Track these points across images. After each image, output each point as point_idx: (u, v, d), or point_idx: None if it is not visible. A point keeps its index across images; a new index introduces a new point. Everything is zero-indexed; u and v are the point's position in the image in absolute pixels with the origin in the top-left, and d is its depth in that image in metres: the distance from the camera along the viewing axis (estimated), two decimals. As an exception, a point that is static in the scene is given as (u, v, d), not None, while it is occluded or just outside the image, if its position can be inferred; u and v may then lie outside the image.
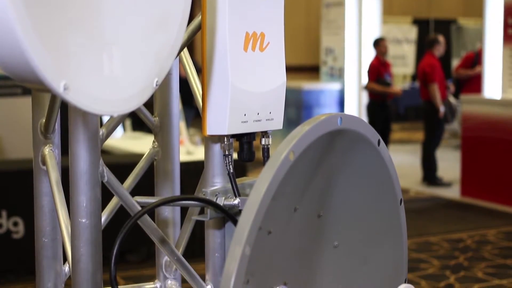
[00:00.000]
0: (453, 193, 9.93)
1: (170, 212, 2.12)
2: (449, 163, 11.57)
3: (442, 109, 10.28)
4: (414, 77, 16.41)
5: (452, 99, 11.52)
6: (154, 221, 1.98)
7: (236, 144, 1.84)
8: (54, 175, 1.90)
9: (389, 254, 1.80)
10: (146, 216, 1.88)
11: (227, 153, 1.79)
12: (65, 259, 1.99)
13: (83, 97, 1.22)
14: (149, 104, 1.95)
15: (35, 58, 1.12)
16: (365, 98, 12.46)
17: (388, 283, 1.77)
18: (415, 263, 6.59)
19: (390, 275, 1.80)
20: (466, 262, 6.70)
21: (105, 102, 1.28)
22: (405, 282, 1.79)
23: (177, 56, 1.64)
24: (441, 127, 10.61)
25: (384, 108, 11.11)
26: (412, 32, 16.95)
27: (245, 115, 1.77)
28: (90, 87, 1.24)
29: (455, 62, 15.81)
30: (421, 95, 10.61)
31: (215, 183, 1.82)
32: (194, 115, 10.68)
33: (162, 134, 2.09)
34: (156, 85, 1.39)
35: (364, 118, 10.99)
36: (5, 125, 8.26)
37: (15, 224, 6.19)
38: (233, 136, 1.80)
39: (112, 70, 1.29)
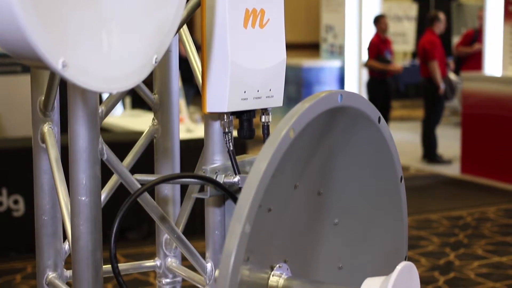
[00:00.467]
0: (453, 170, 9.94)
1: (170, 190, 2.12)
2: (449, 140, 11.57)
3: (442, 86, 10.27)
4: (414, 55, 16.38)
5: (452, 76, 11.51)
6: (154, 199, 1.97)
7: (236, 121, 1.83)
8: (54, 153, 1.90)
9: (389, 231, 1.79)
10: (146, 194, 1.87)
11: (227, 130, 1.79)
12: (65, 237, 1.99)
13: (82, 74, 1.22)
14: (149, 82, 1.94)
15: (33, 34, 1.11)
16: (365, 75, 12.44)
17: (388, 260, 1.77)
18: (415, 240, 6.60)
19: (390, 252, 1.80)
20: (466, 240, 6.71)
21: (104, 79, 1.27)
22: (405, 260, 1.79)
23: (176, 33, 1.63)
24: (441, 104, 10.60)
25: (384, 86, 11.09)
26: (412, 9, 16.89)
27: (245, 92, 1.76)
28: (89, 64, 1.23)
29: (455, 39, 15.77)
30: (421, 72, 10.60)
31: (215, 160, 1.82)
32: (194, 92, 10.67)
33: (162, 112, 2.08)
34: (156, 62, 1.38)
35: (364, 95, 10.98)
36: (5, 103, 8.26)
37: (16, 202, 6.20)
38: (233, 113, 1.79)
39: (111, 47, 1.28)
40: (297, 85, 13.40)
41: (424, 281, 5.49)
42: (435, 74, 10.23)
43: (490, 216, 7.53)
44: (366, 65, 11.55)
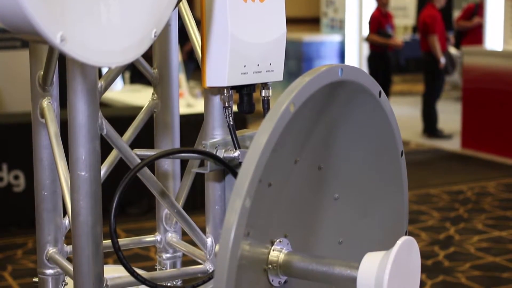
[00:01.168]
0: (454, 145, 9.94)
1: (170, 165, 2.11)
2: (449, 115, 11.57)
3: (442, 60, 10.25)
4: (415, 29, 16.32)
5: (452, 51, 11.48)
6: (154, 174, 1.97)
7: (236, 96, 1.82)
8: (53, 128, 1.89)
9: (390, 206, 1.79)
10: (146, 169, 1.87)
11: (227, 105, 1.78)
12: (65, 212, 1.99)
13: (80, 49, 1.21)
14: (149, 56, 1.93)
15: (31, 9, 1.10)
16: (365, 49, 12.41)
17: (389, 235, 1.77)
18: (415, 215, 6.61)
19: (390, 227, 1.80)
20: (466, 214, 6.72)
21: (102, 54, 1.26)
22: (405, 234, 1.79)
23: (175, 7, 1.62)
24: (441, 78, 10.59)
25: (385, 60, 11.07)
26: (413, -17, 16.81)
27: (245, 66, 1.75)
28: (87, 38, 1.22)
29: (456, 14, 15.72)
30: (422, 46, 10.58)
31: (215, 135, 1.81)
32: (194, 67, 10.65)
33: (162, 86, 2.07)
34: (155, 36, 1.37)
35: (365, 69, 10.96)
36: (4, 79, 8.24)
37: (16, 177, 6.20)
38: (233, 87, 1.78)
39: (110, 21, 1.27)
40: (298, 60, 13.37)
41: (424, 255, 5.50)
42: (435, 48, 10.21)
43: (491, 191, 7.54)
44: (367, 39, 11.53)
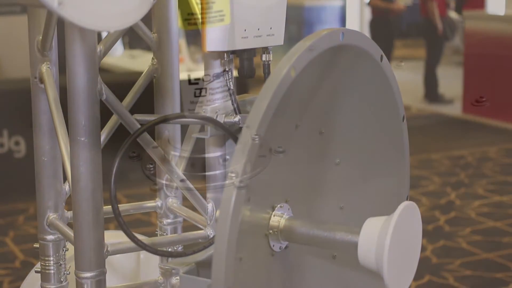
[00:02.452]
0: (455, 110, 9.92)
1: (170, 130, 2.10)
2: (451, 80, 11.53)
3: (440, 26, 10.22)
4: (416, -7, 16.25)
5: (453, 15, 11.43)
6: (154, 139, 1.96)
7: (236, 60, 1.81)
8: (52, 93, 1.88)
9: (391, 171, 1.79)
10: (146, 134, 1.86)
11: (227, 69, 1.77)
12: (65, 178, 1.98)
13: (78, 13, 1.19)
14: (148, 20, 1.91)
15: (28, -29, 1.09)
16: (367, 14, 12.35)
17: (390, 200, 1.76)
18: (416, 180, 6.62)
19: (392, 192, 1.79)
20: (467, 179, 6.73)
21: (101, 18, 1.25)
22: (406, 199, 1.78)
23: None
24: (440, 44, 10.56)
25: (387, 25, 11.01)
26: None
27: (245, 30, 1.73)
28: (85, 2, 1.21)
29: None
30: (421, 11, 10.54)
31: (216, 100, 1.80)
32: (195, 32, 10.60)
33: (161, 51, 2.06)
34: (154, -1, 1.36)
35: (367, 34, 10.92)
36: (4, 44, 8.21)
37: (17, 143, 6.20)
38: (233, 52, 1.77)
39: (108, -16, 1.25)
40: (298, 25, 13.32)
41: (425, 220, 5.49)
42: (433, 13, 10.17)
43: (492, 156, 7.54)
44: (370, 4, 11.46)
